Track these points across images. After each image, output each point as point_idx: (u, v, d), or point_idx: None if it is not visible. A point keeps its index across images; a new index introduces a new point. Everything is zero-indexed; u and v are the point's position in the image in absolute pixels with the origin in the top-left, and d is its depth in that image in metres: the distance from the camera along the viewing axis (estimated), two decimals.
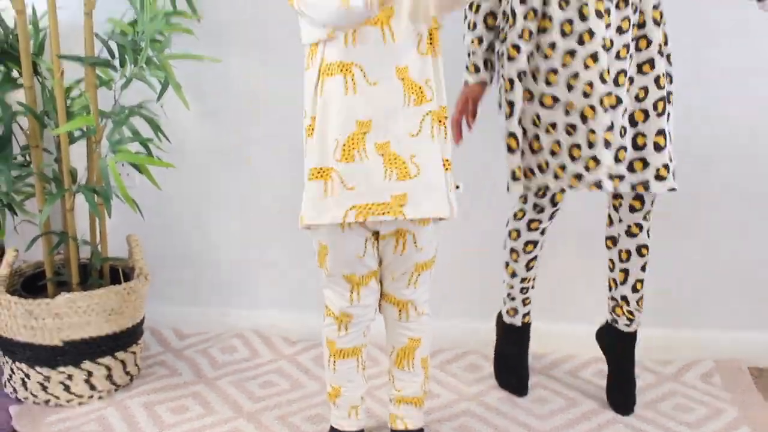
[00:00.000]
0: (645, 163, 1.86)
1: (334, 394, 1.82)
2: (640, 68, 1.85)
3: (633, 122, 1.86)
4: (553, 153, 1.86)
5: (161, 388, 2.21)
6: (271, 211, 2.47)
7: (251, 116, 2.41)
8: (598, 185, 1.84)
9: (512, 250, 2.09)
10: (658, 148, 1.86)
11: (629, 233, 1.99)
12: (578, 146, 1.83)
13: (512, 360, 2.21)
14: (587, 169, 1.84)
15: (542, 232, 2.08)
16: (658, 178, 1.86)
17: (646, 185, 1.87)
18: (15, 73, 2.17)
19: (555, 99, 1.81)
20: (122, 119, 2.02)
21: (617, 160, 1.84)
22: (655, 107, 1.85)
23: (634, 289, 2.05)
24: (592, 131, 1.81)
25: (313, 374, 2.29)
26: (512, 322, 2.20)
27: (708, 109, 2.22)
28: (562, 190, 1.91)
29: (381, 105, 1.55)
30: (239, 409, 2.10)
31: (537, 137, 1.86)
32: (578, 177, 1.85)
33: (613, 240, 2.04)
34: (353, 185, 1.56)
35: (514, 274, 2.12)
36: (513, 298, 2.16)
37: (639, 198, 1.94)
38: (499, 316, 2.24)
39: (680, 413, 2.06)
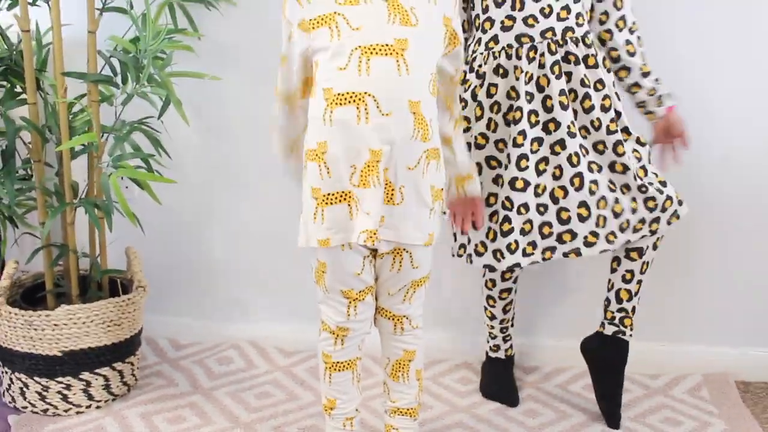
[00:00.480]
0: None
1: (330, 405, 1.85)
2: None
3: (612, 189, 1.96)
4: (523, 232, 1.94)
5: (158, 398, 2.24)
6: (267, 224, 2.51)
7: (250, 133, 2.45)
8: (577, 252, 1.95)
9: (489, 297, 2.23)
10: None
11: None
12: (549, 224, 1.95)
13: (500, 380, 2.29)
14: (561, 241, 1.95)
15: (515, 281, 2.20)
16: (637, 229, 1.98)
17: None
18: (17, 89, 2.22)
19: (526, 182, 1.91)
20: (124, 135, 2.06)
21: (598, 225, 1.94)
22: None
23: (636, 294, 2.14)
24: (565, 209, 1.93)
25: (308, 385, 2.32)
26: (497, 356, 2.31)
27: None
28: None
29: (392, 136, 1.58)
30: (235, 419, 2.13)
31: (508, 219, 1.94)
32: (552, 250, 1.96)
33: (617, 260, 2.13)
34: (368, 210, 1.60)
35: (492, 317, 2.25)
36: (494, 337, 2.29)
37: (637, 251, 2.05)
38: (486, 354, 2.35)
39: (669, 427, 2.10)
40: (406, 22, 1.58)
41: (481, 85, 1.95)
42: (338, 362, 1.80)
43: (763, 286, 2.36)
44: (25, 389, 2.15)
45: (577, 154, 1.91)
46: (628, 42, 1.96)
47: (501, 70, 1.92)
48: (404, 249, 1.69)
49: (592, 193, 1.91)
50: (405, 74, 1.57)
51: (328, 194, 1.62)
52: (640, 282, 2.08)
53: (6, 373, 2.18)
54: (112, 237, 2.29)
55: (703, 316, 2.39)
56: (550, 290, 2.42)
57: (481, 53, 1.94)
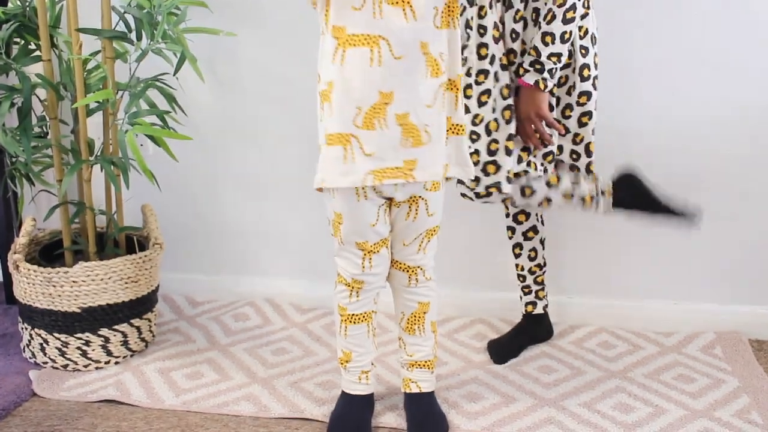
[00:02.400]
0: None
1: (345, 359, 1.87)
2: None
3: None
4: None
5: (176, 355, 2.27)
6: (282, 181, 2.51)
7: (265, 89, 2.43)
8: (498, 187, 1.96)
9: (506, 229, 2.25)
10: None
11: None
12: (477, 152, 1.97)
13: (511, 343, 2.29)
14: (486, 173, 1.97)
15: (516, 220, 2.19)
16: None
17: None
18: (31, 45, 2.21)
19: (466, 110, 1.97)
20: (139, 92, 2.06)
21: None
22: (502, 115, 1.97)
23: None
24: (495, 140, 1.95)
25: (324, 341, 2.34)
26: (522, 310, 2.31)
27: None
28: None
29: (404, 78, 1.60)
30: (253, 375, 2.16)
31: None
32: (476, 180, 1.98)
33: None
34: (372, 152, 1.62)
35: (517, 266, 2.27)
36: (518, 284, 2.28)
37: None
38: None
39: (682, 383, 2.11)
40: None
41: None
42: (354, 314, 1.82)
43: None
44: (45, 345, 2.18)
45: (508, 86, 1.93)
46: (549, 12, 1.87)
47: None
48: (420, 197, 1.72)
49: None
50: (412, 19, 1.58)
51: (331, 135, 1.64)
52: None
53: (26, 329, 2.21)
54: (128, 194, 2.30)
55: (715, 275, 2.39)
56: (562, 248, 2.41)
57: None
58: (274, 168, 2.51)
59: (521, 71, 1.92)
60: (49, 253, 2.33)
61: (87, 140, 2.16)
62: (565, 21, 1.85)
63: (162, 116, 2.11)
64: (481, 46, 1.91)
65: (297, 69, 2.34)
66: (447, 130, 1.71)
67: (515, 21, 1.93)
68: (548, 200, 2.00)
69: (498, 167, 1.94)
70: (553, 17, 1.85)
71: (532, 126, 1.94)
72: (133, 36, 2.14)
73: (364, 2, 1.57)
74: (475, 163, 1.94)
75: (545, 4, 1.87)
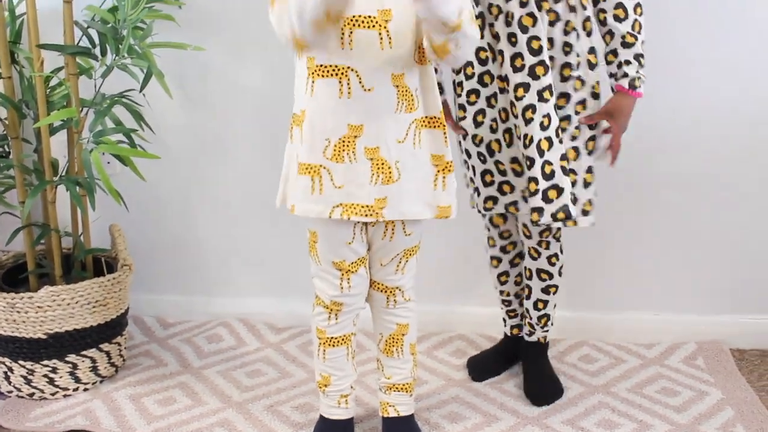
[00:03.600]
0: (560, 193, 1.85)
1: (324, 382, 1.82)
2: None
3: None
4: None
5: (147, 380, 2.19)
6: (253, 198, 2.46)
7: (235, 104, 2.38)
8: (515, 206, 1.94)
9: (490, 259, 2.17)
10: (586, 184, 1.92)
11: (530, 255, 2.05)
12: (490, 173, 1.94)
13: (492, 362, 2.24)
14: (502, 192, 1.93)
15: (503, 251, 2.11)
16: (584, 213, 1.92)
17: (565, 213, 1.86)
18: None
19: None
20: (105, 110, 1.99)
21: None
22: (585, 146, 1.90)
23: (536, 307, 2.10)
24: (499, 162, 1.90)
25: (300, 362, 2.28)
26: (504, 330, 2.24)
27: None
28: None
29: (374, 111, 1.55)
30: (227, 399, 2.09)
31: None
32: (493, 200, 1.95)
33: (520, 255, 2.13)
34: (341, 184, 1.58)
35: (495, 286, 2.19)
36: (501, 308, 2.22)
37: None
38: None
39: (665, 397, 2.09)
40: None
41: None
42: (332, 338, 1.77)
43: (754, 253, 2.34)
44: (9, 373, 2.10)
45: (505, 110, 1.87)
46: (619, 5, 1.81)
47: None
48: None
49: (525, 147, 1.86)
50: (388, 47, 1.53)
51: (301, 164, 1.60)
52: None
53: None
54: (96, 214, 2.23)
55: (695, 285, 2.38)
56: None
57: None
58: (246, 185, 2.45)
59: (618, 77, 1.83)
60: (12, 276, 2.24)
61: (51, 160, 2.08)
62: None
63: (129, 134, 2.04)
64: (565, 66, 1.83)
65: (267, 84, 2.29)
66: (437, 170, 1.64)
67: (566, 33, 1.82)
68: None
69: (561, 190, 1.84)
70: (641, 27, 1.82)
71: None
72: (97, 51, 2.08)
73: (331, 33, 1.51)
74: (534, 192, 1.83)
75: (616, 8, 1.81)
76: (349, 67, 1.52)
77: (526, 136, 1.80)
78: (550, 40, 1.80)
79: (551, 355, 2.28)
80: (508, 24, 1.79)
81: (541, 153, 1.80)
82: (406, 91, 1.56)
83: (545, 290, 2.07)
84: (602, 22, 1.85)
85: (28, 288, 2.16)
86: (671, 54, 2.18)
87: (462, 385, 2.16)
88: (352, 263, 1.69)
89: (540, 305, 2.09)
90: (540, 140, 1.79)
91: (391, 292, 1.77)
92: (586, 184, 1.91)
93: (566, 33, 1.82)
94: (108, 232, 2.35)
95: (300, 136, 1.59)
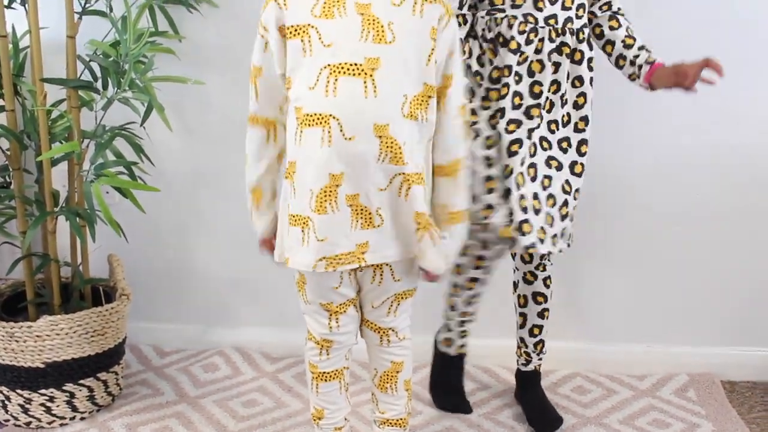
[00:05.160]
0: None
1: (318, 415, 1.83)
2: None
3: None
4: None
5: (144, 409, 2.20)
6: (251, 229, 2.47)
7: (231, 136, 2.39)
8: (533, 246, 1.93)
9: (455, 285, 2.15)
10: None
11: (525, 280, 2.08)
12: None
13: (448, 384, 2.25)
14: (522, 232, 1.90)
15: (486, 271, 2.12)
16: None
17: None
18: None
19: None
20: (106, 143, 2.02)
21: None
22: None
23: (531, 334, 2.13)
24: (523, 196, 1.89)
25: (295, 392, 2.30)
26: (446, 351, 2.25)
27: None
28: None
29: (354, 160, 1.51)
30: (223, 429, 2.11)
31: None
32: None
33: (515, 285, 2.14)
34: (324, 237, 1.55)
35: (453, 308, 2.18)
36: (450, 329, 2.22)
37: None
38: (435, 339, 2.28)
39: (657, 429, 2.11)
40: (380, 39, 1.50)
41: (484, 51, 1.90)
42: (324, 372, 1.78)
43: (747, 286, 2.37)
44: (6, 402, 2.11)
45: (535, 145, 1.90)
46: (612, 17, 1.93)
47: (501, 39, 1.86)
48: (384, 263, 1.64)
49: (544, 188, 1.91)
50: (372, 96, 1.50)
51: (292, 215, 1.59)
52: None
53: None
54: (94, 244, 2.24)
55: (687, 317, 2.41)
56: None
57: (484, 18, 1.88)
58: (243, 215, 2.44)
59: (645, 61, 1.90)
60: (11, 305, 2.26)
61: (51, 191, 2.11)
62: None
63: (129, 167, 2.07)
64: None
65: None
66: (419, 227, 1.60)
67: (590, 69, 1.92)
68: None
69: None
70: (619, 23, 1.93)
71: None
72: (99, 84, 2.11)
73: (317, 81, 1.50)
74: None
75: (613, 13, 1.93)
76: (331, 115, 1.50)
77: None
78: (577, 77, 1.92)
79: (544, 386, 2.30)
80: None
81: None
82: (392, 142, 1.52)
83: (540, 314, 2.10)
84: (598, 36, 1.94)
85: (26, 317, 2.18)
86: None
87: (456, 417, 2.18)
88: (340, 305, 1.69)
89: (536, 331, 2.12)
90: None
91: (384, 332, 1.76)
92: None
93: (590, 69, 1.92)
94: (106, 261, 2.37)
95: (291, 188, 1.58)
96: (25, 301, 2.22)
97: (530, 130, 1.89)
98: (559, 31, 1.86)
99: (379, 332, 1.76)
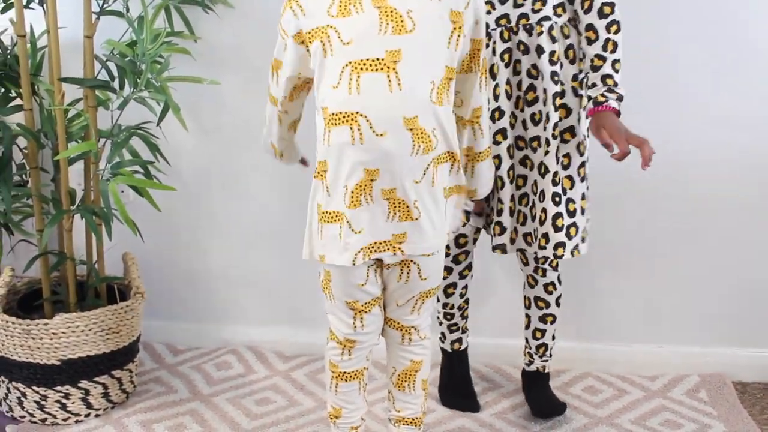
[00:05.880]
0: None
1: (335, 414, 1.84)
2: (561, 136, 1.91)
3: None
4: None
5: (158, 406, 2.22)
6: (264, 228, 2.50)
7: (246, 136, 2.42)
8: (502, 249, 1.99)
9: None
10: (583, 211, 1.95)
11: (528, 283, 2.11)
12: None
13: (454, 381, 2.27)
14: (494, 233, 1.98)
15: (455, 260, 2.12)
16: (584, 240, 1.97)
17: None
18: (11, 93, 2.18)
19: None
20: (122, 142, 2.04)
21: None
22: (578, 173, 1.94)
23: (534, 336, 2.15)
24: (500, 200, 1.94)
25: (308, 390, 2.31)
26: (443, 347, 2.27)
27: None
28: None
29: (388, 155, 1.53)
30: (237, 426, 2.12)
31: None
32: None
33: (470, 267, 2.16)
34: (360, 229, 1.58)
35: (437, 298, 2.18)
36: (440, 323, 2.24)
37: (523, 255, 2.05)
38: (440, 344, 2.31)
39: (669, 429, 2.11)
40: (399, 29, 1.51)
41: None
42: (345, 372, 1.79)
43: (758, 286, 2.37)
44: (23, 398, 2.13)
45: (510, 146, 1.92)
46: (590, 27, 1.83)
47: None
48: (412, 260, 1.66)
49: (518, 187, 1.93)
50: (397, 90, 1.51)
51: (326, 212, 1.61)
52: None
53: (3, 382, 2.16)
54: (109, 242, 2.26)
55: (699, 317, 2.41)
56: None
57: None
58: (257, 215, 2.49)
59: (597, 98, 1.81)
60: (28, 302, 2.28)
61: (68, 190, 2.12)
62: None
63: (145, 166, 2.09)
64: (556, 95, 1.87)
65: None
66: (446, 196, 1.66)
67: (552, 63, 1.85)
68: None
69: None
70: (615, 45, 1.82)
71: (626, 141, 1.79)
72: (116, 84, 2.12)
73: (340, 79, 1.52)
74: (560, 228, 1.90)
75: (595, 34, 1.82)
76: (357, 113, 1.51)
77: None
78: (538, 72, 1.86)
79: (555, 386, 2.30)
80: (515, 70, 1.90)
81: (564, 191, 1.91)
82: (422, 133, 1.54)
83: (542, 319, 2.11)
84: (580, 43, 1.88)
85: (42, 314, 2.20)
86: (673, 87, 2.24)
87: (468, 416, 2.19)
88: (366, 303, 1.70)
89: (538, 334, 2.13)
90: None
91: (406, 330, 1.78)
92: (583, 211, 1.95)
93: (552, 63, 1.85)
94: (120, 259, 2.38)
95: (323, 186, 1.60)
96: (41, 299, 2.23)
97: (501, 131, 1.90)
98: (513, 29, 1.84)
99: (401, 330, 1.78)
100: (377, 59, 1.51)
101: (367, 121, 1.52)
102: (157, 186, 2.01)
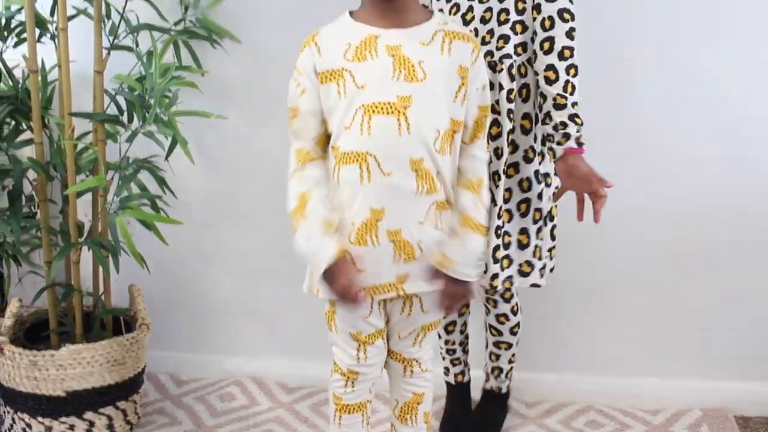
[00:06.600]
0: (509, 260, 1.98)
1: None
2: (505, 171, 1.93)
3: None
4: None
5: None
6: (268, 260, 2.51)
7: (252, 169, 2.45)
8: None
9: None
10: (521, 245, 1.98)
11: (485, 311, 2.16)
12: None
13: (453, 414, 2.29)
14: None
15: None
16: (521, 273, 2.00)
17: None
18: (22, 126, 2.21)
19: None
20: (130, 175, 2.06)
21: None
22: (518, 208, 1.96)
23: (490, 358, 2.22)
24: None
25: (311, 423, 2.32)
26: (447, 380, 2.30)
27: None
28: None
29: (394, 195, 1.58)
30: None
31: None
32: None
33: (467, 305, 2.21)
34: (363, 267, 1.61)
35: (439, 335, 2.23)
36: (443, 358, 2.27)
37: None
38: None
39: None
40: (411, 78, 1.56)
41: None
42: (348, 404, 1.80)
43: (760, 320, 2.38)
44: (28, 429, 2.13)
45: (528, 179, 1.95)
46: (549, 67, 1.82)
47: None
48: (414, 294, 1.69)
49: (498, 217, 1.93)
50: (405, 133, 1.56)
51: None
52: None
53: (8, 413, 2.16)
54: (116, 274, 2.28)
55: (701, 351, 2.42)
56: (550, 325, 2.43)
57: None
58: (262, 247, 2.51)
59: (560, 140, 1.81)
60: (34, 333, 2.29)
61: (77, 222, 2.15)
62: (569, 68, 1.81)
63: (153, 200, 2.11)
64: (510, 132, 1.90)
65: (285, 149, 2.32)
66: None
67: (509, 101, 1.87)
68: None
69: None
70: (574, 88, 1.81)
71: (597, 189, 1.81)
72: (124, 117, 2.15)
73: (353, 120, 1.56)
74: (497, 259, 1.93)
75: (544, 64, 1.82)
76: (368, 152, 1.56)
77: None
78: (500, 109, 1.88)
79: (558, 419, 2.31)
80: None
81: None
82: (426, 174, 1.59)
83: (496, 345, 2.18)
84: (536, 85, 1.88)
85: (48, 345, 2.21)
86: (663, 120, 2.27)
87: None
88: (369, 335, 1.73)
89: (493, 357, 2.21)
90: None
91: (408, 363, 1.81)
92: (522, 246, 1.97)
93: (509, 101, 1.87)
94: (126, 289, 2.40)
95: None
96: (47, 329, 2.25)
97: None
98: None
99: (403, 363, 1.80)
100: (389, 103, 1.55)
101: (376, 160, 1.56)
102: (164, 220, 2.04)
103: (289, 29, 2.26)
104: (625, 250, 2.36)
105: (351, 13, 1.63)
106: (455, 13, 1.88)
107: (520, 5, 1.84)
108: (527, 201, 1.95)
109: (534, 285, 1.99)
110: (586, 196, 1.82)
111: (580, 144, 1.82)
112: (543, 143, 1.92)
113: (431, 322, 1.77)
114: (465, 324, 2.22)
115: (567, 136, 1.81)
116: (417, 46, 1.58)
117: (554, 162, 1.86)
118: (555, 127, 1.82)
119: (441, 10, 1.90)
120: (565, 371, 2.44)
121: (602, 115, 2.16)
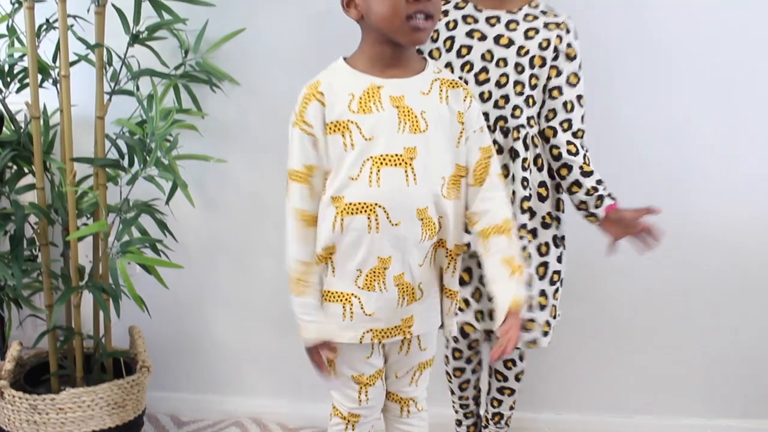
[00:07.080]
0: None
1: None
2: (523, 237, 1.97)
3: None
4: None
5: None
6: (268, 302, 2.52)
7: (251, 211, 2.46)
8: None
9: (446, 372, 2.25)
10: (541, 307, 2.00)
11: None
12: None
13: None
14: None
15: (468, 361, 2.19)
16: (544, 333, 2.01)
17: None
18: (23, 169, 2.23)
19: None
20: (131, 219, 2.08)
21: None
22: (537, 271, 1.98)
23: (492, 404, 2.24)
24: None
25: None
26: (458, 431, 2.32)
27: None
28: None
29: (400, 243, 1.60)
30: None
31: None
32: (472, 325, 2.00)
33: (480, 362, 2.24)
34: (372, 312, 1.63)
35: (452, 391, 2.27)
36: (456, 411, 2.30)
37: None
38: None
39: None
40: (415, 129, 1.58)
41: None
42: None
43: (759, 357, 2.39)
44: None
45: (546, 244, 1.98)
46: (569, 142, 1.94)
47: None
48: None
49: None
50: (413, 183, 1.58)
51: (329, 292, 1.65)
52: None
53: None
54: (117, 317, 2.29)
55: (699, 388, 2.42)
56: (549, 364, 2.43)
57: None
58: (261, 288, 2.52)
59: (596, 203, 1.92)
60: (34, 376, 2.29)
61: (77, 266, 2.16)
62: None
63: (154, 244, 2.13)
64: (524, 199, 1.93)
65: (283, 191, 2.37)
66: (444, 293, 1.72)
67: (524, 169, 1.92)
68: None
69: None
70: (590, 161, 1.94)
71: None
72: (125, 161, 2.17)
73: (360, 171, 1.57)
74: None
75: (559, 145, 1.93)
76: (376, 204, 1.58)
77: None
78: (509, 173, 1.92)
79: None
80: None
81: None
82: (429, 221, 1.61)
83: (500, 390, 2.18)
84: (556, 158, 1.95)
85: (48, 387, 2.21)
86: (670, 160, 2.28)
87: None
88: (370, 376, 1.74)
89: (495, 403, 2.21)
90: None
91: (405, 402, 1.82)
92: (541, 307, 2.00)
93: (524, 169, 1.93)
94: (126, 331, 2.40)
95: (328, 268, 1.64)
96: (47, 372, 2.25)
97: None
98: (490, 128, 1.89)
99: (400, 403, 1.82)
100: (396, 155, 1.58)
101: (385, 211, 1.58)
102: (165, 264, 2.05)
103: (287, 71, 2.31)
104: (620, 287, 2.37)
105: (345, 59, 1.63)
106: (468, 72, 1.90)
107: (533, 81, 1.90)
108: (545, 264, 1.98)
109: (549, 342, 2.02)
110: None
111: (613, 199, 1.92)
112: (577, 209, 1.97)
113: (428, 359, 1.79)
114: (478, 379, 2.25)
115: (601, 198, 1.92)
116: (418, 96, 1.60)
117: (599, 225, 1.95)
118: (587, 192, 1.92)
119: (448, 64, 1.92)
120: (564, 410, 2.44)
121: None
